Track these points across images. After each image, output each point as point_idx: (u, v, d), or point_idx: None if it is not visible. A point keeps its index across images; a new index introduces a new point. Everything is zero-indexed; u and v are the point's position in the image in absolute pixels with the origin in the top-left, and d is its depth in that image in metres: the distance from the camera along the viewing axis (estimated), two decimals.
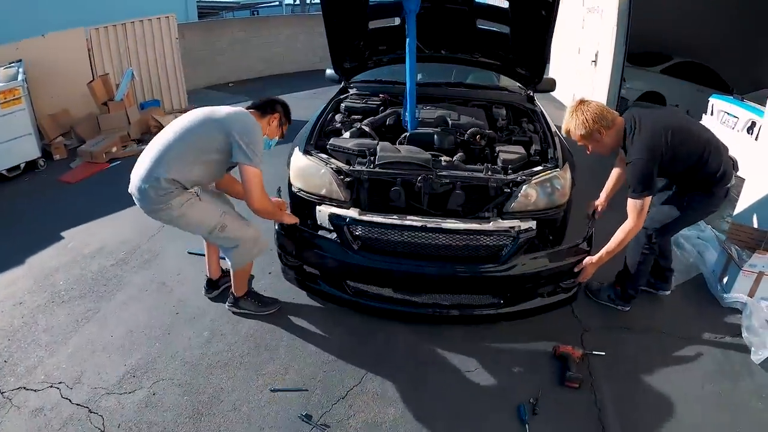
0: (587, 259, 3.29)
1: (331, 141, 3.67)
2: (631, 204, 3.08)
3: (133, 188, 2.93)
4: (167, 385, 2.94)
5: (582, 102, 3.15)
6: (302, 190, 3.50)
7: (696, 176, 3.15)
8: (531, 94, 4.82)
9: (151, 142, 2.98)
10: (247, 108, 3.16)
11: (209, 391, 2.91)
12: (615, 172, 3.67)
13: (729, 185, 3.24)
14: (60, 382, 2.94)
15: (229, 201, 3.34)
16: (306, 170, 3.46)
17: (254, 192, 2.96)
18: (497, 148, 3.65)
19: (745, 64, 10.75)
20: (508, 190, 3.27)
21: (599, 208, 3.67)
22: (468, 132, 3.75)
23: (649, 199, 3.05)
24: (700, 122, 3.36)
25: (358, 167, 3.34)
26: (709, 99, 7.73)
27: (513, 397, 2.90)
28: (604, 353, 3.20)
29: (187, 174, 2.91)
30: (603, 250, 3.23)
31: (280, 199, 3.54)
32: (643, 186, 3.00)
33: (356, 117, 4.27)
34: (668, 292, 3.83)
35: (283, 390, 2.92)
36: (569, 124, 3.16)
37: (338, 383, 2.97)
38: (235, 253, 3.22)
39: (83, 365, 3.07)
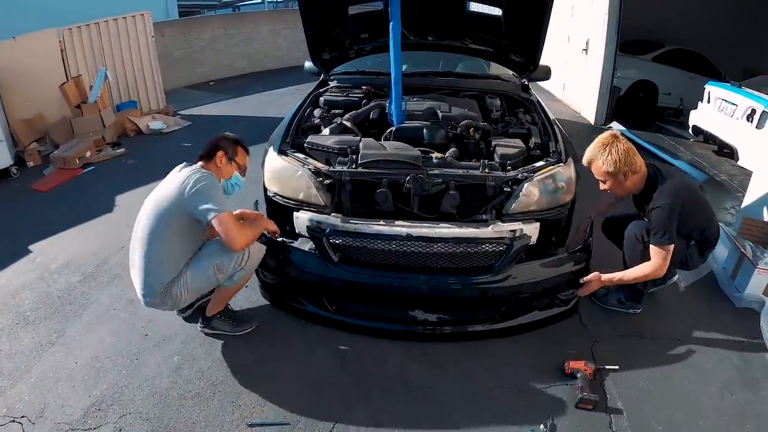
0: (595, 274, 3.13)
1: (309, 139, 3.36)
2: (656, 250, 2.99)
3: (143, 304, 2.92)
4: (134, 419, 2.64)
5: (615, 137, 3.03)
6: (278, 195, 3.22)
7: (697, 238, 3.22)
8: (525, 82, 4.55)
9: (131, 244, 2.90)
10: (198, 160, 3.00)
11: (180, 426, 2.60)
12: (606, 199, 3.56)
13: (712, 251, 3.39)
14: (22, 417, 2.66)
15: (200, 236, 3.05)
16: (281, 172, 3.18)
17: (231, 236, 2.76)
18: (493, 142, 3.39)
19: (736, 50, 10.69)
20: (508, 189, 3.01)
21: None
22: (461, 125, 3.47)
23: (672, 247, 2.97)
24: None
25: (338, 167, 3.06)
26: (706, 86, 7.61)
27: (520, 423, 2.62)
28: (617, 367, 2.95)
29: (180, 263, 2.85)
30: (617, 275, 3.12)
31: (255, 212, 3.31)
32: (669, 233, 2.94)
33: (337, 111, 3.98)
34: (676, 278, 3.63)
35: (262, 424, 2.60)
36: (598, 156, 3.02)
37: (323, 414, 2.66)
38: (241, 272, 3.01)
39: (46, 396, 2.79)
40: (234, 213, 2.90)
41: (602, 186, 3.14)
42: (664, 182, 3.02)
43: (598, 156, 3.01)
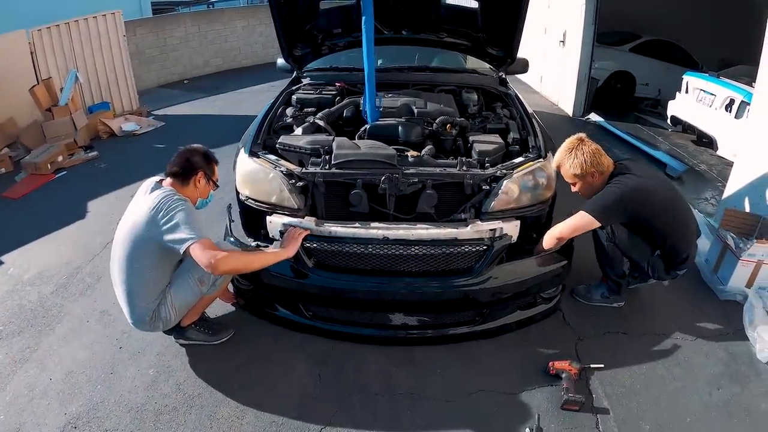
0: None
1: (281, 139, 3.25)
2: (580, 216, 2.97)
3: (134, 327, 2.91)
4: None
5: (582, 141, 3.04)
6: (251, 198, 3.11)
7: (663, 249, 3.13)
8: (503, 76, 4.48)
9: (111, 269, 2.84)
10: (166, 176, 2.81)
11: None
12: None
13: (683, 272, 3.25)
14: None
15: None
16: (253, 175, 3.07)
17: (210, 263, 2.54)
18: (471, 138, 3.31)
19: (712, 41, 10.75)
20: (487, 187, 2.94)
21: None
22: (437, 121, 3.39)
23: (596, 225, 2.98)
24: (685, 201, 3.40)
25: (311, 169, 2.96)
26: (684, 76, 7.63)
27: (507, 427, 2.58)
28: (602, 365, 2.91)
29: (161, 287, 2.81)
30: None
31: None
32: (603, 211, 2.94)
33: (309, 110, 3.86)
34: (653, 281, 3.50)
35: None
36: (565, 160, 3.04)
37: (303, 427, 2.59)
38: (222, 278, 2.94)
39: (22, 415, 2.69)
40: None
41: (573, 188, 3.14)
42: (631, 173, 3.00)
43: (566, 160, 3.02)
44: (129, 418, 2.65)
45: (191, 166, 2.80)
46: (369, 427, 2.60)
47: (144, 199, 2.70)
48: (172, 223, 2.56)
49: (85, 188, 5.62)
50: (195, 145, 2.93)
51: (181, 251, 2.56)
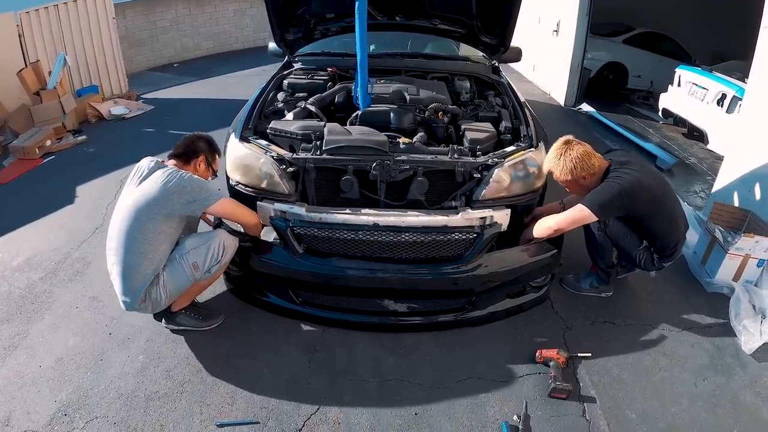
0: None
1: (272, 124, 3.23)
2: (578, 209, 2.96)
3: (124, 309, 2.87)
4: (101, 423, 2.54)
5: (569, 144, 3.01)
6: (240, 183, 3.10)
7: (652, 243, 3.15)
8: (496, 64, 4.47)
9: (107, 249, 2.83)
10: (169, 157, 2.95)
11: (147, 429, 2.51)
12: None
13: (669, 263, 3.25)
14: None
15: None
16: (243, 160, 3.05)
17: (241, 217, 2.95)
18: (463, 126, 3.30)
19: (705, 35, 10.79)
20: (478, 175, 2.93)
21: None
22: (429, 108, 3.37)
23: (593, 219, 2.98)
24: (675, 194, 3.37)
25: (302, 154, 2.94)
26: (676, 69, 7.66)
27: (495, 414, 2.60)
28: (590, 354, 2.94)
29: (157, 265, 2.77)
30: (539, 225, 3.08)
31: None
32: (601, 207, 2.93)
33: (301, 95, 3.82)
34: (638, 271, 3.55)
35: (231, 424, 2.52)
36: (554, 167, 3.02)
37: (293, 412, 2.59)
38: (218, 266, 2.92)
39: (12, 403, 2.67)
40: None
41: (567, 190, 3.17)
42: (628, 168, 2.98)
43: (555, 167, 3.01)
44: (119, 405, 2.64)
45: (195, 150, 2.97)
46: (359, 413, 2.60)
47: (148, 176, 2.75)
48: (189, 193, 2.70)
49: (74, 173, 5.55)
50: (202, 133, 3.11)
51: (201, 210, 2.77)
